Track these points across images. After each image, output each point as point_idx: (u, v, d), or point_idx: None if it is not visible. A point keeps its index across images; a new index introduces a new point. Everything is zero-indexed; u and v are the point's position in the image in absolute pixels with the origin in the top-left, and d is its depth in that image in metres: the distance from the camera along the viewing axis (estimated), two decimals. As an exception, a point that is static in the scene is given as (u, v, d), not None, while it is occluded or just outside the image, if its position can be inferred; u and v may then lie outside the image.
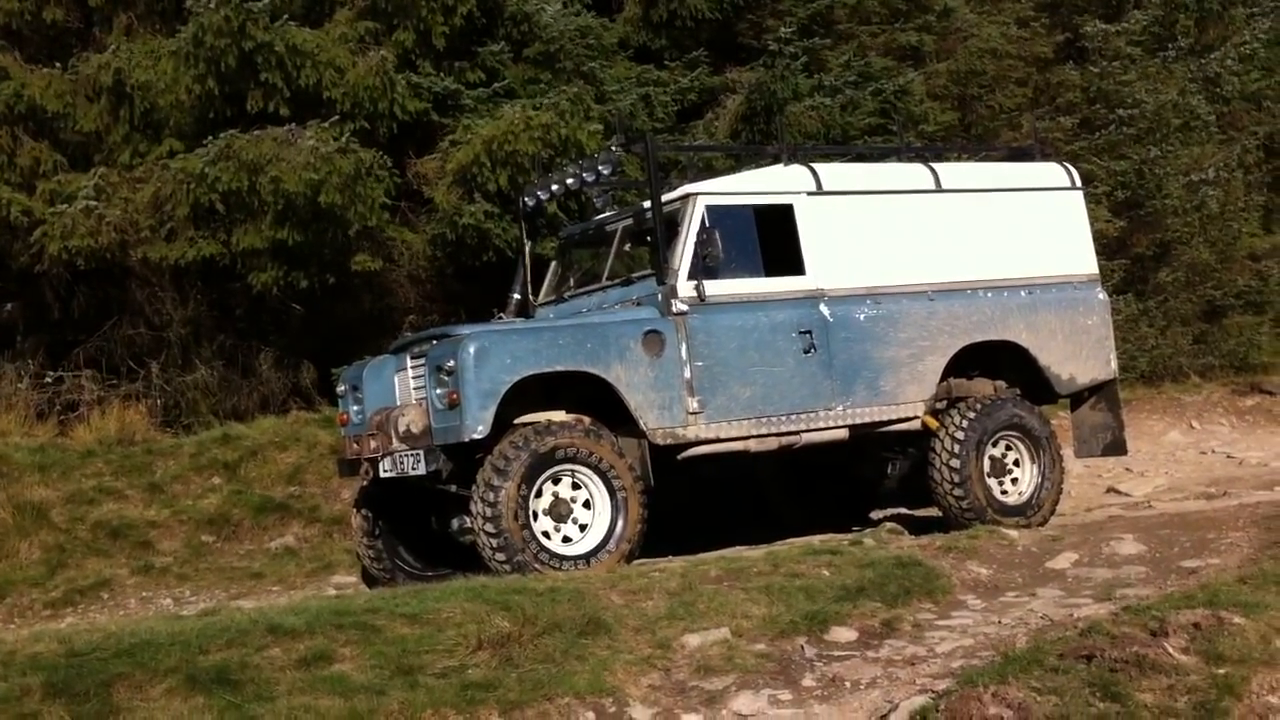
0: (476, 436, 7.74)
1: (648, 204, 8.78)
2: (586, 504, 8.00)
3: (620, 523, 7.96)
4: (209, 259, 12.34)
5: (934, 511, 9.55)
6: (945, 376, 9.31)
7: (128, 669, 5.42)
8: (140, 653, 5.58)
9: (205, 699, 5.18)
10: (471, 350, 7.78)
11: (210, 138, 11.75)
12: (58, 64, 12.85)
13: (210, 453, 11.23)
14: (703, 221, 8.50)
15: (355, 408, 8.85)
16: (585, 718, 5.23)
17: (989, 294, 9.49)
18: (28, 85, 12.53)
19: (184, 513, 10.58)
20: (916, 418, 9.15)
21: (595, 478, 7.95)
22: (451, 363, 7.82)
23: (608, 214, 9.67)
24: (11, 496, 10.35)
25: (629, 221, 9.26)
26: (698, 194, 8.64)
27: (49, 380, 12.79)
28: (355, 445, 8.55)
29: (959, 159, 11.12)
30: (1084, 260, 10.01)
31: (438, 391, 7.98)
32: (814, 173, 9.11)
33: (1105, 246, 14.38)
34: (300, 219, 11.86)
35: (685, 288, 8.42)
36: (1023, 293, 9.62)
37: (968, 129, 16.21)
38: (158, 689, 5.29)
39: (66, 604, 9.55)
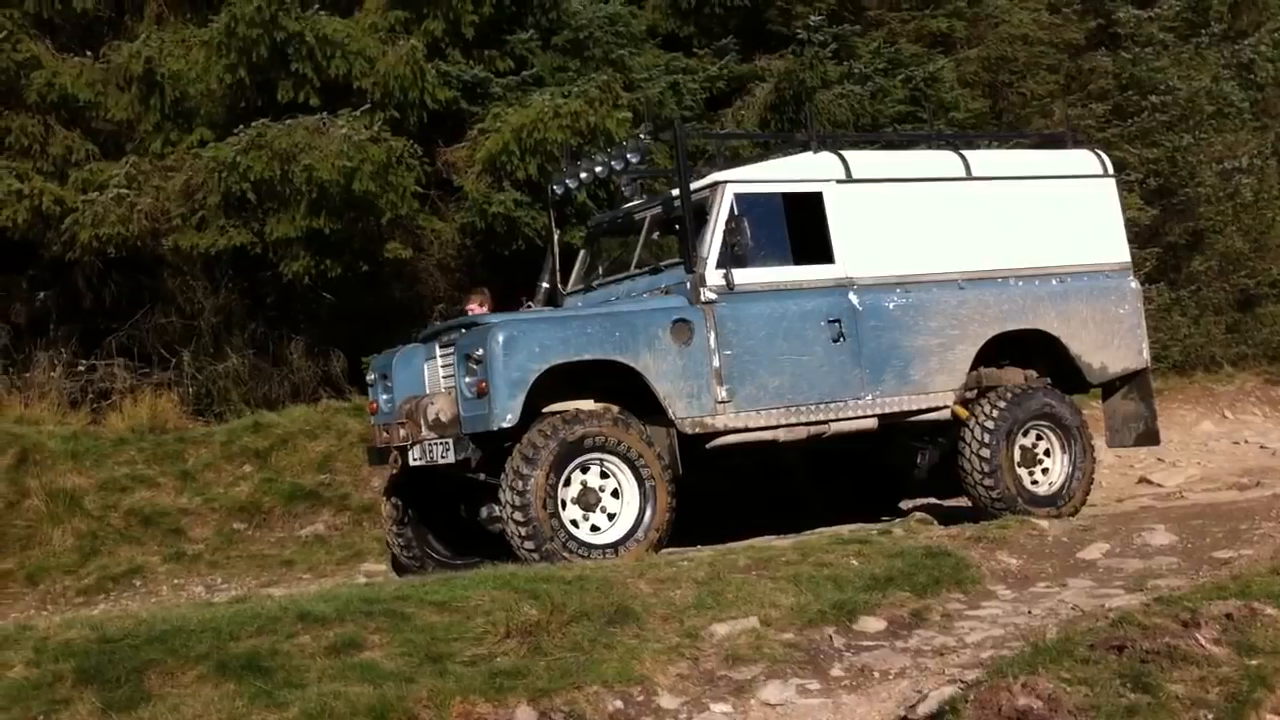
0: (505, 425, 7.75)
1: (676, 192, 8.76)
2: (615, 493, 8.00)
3: (649, 512, 7.95)
4: (240, 247, 12.40)
5: (964, 501, 9.51)
6: (975, 365, 9.27)
7: (159, 655, 5.45)
8: (171, 639, 5.61)
9: (236, 685, 5.20)
10: (500, 339, 7.78)
11: (242, 127, 11.80)
12: (89, 53, 12.94)
13: (241, 441, 11.29)
14: (731, 210, 8.47)
15: (385, 396, 8.87)
16: (613, 706, 5.23)
17: (1020, 282, 9.44)
18: (59, 74, 12.62)
19: (215, 500, 10.65)
20: (946, 407, 9.11)
21: (624, 466, 7.95)
22: (480, 351, 7.82)
23: (636, 202, 9.65)
24: (45, 484, 10.44)
25: (658, 210, 9.25)
26: (726, 182, 8.62)
27: (81, 368, 12.89)
28: (385, 434, 8.58)
29: (990, 146, 11.06)
30: (1116, 248, 9.93)
31: (467, 380, 7.99)
32: (843, 160, 9.07)
33: (1137, 235, 14.29)
34: (334, 207, 11.90)
35: (714, 276, 8.40)
36: (1054, 281, 9.56)
37: (998, 116, 16.12)
38: (189, 675, 5.32)
39: (99, 591, 9.63)
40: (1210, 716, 4.68)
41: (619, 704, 5.25)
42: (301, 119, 11.96)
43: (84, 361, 12.99)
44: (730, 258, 8.42)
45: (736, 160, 10.47)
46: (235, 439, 11.33)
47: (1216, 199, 16.66)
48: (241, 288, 13.40)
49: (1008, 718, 4.73)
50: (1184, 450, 13.66)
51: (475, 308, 10.67)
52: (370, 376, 9.14)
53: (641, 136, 9.28)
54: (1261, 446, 13.90)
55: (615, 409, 8.16)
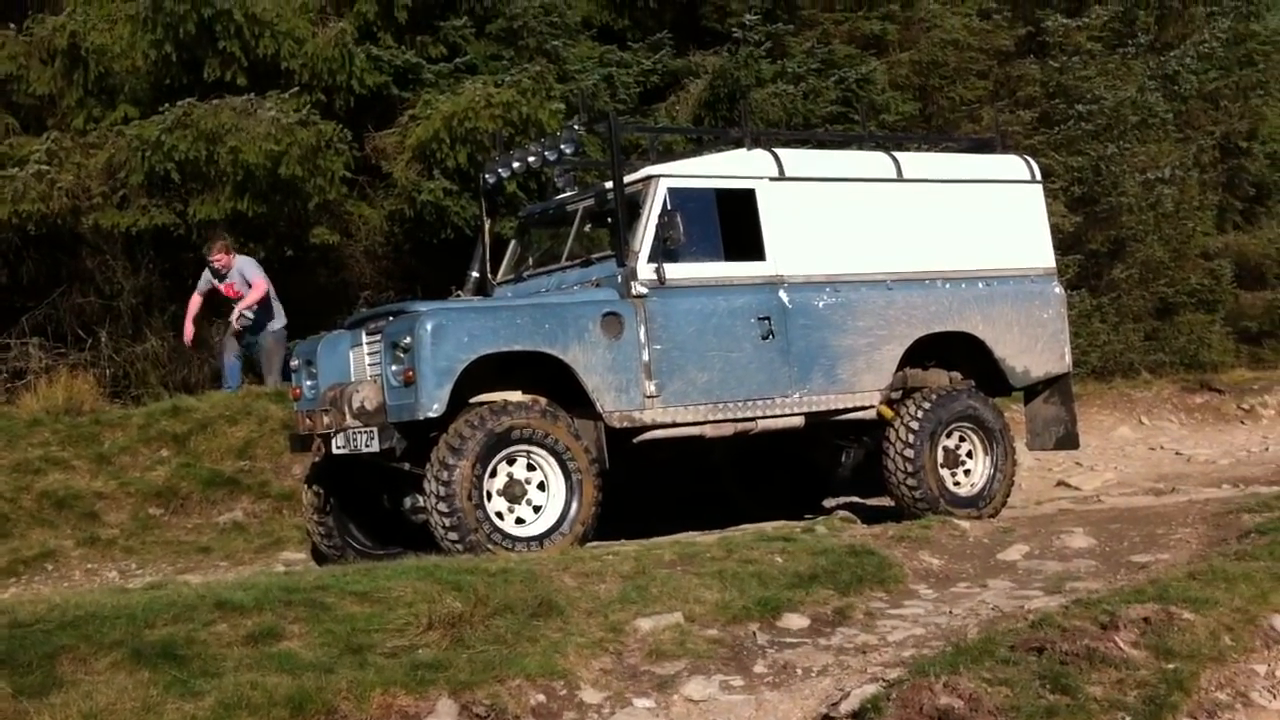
0: (432, 415, 7.67)
1: (609, 184, 8.72)
2: (541, 485, 7.94)
3: (574, 505, 7.91)
4: (162, 228, 12.21)
5: (887, 501, 9.57)
6: (901, 366, 9.31)
7: (72, 641, 5.33)
8: (85, 625, 5.49)
9: (150, 673, 5.09)
10: (429, 327, 7.70)
11: (166, 105, 11.60)
12: (12, 25, 12.66)
13: (159, 425, 11.07)
14: (664, 204, 8.44)
15: (309, 383, 8.75)
16: (536, 700, 5.19)
17: (947, 285, 9.50)
18: (-20, 46, 12.34)
19: (131, 485, 10.44)
20: (872, 407, 9.15)
21: (550, 459, 7.90)
22: (408, 339, 7.74)
23: (568, 194, 9.60)
24: (-45, 464, 10.19)
25: (590, 202, 9.20)
26: (660, 176, 8.59)
27: (-6, 347, 12.62)
28: (308, 421, 8.46)
29: (920, 149, 11.15)
30: (1042, 253, 10.03)
31: (393, 368, 7.90)
32: (777, 158, 9.08)
33: (1060, 242, 14.45)
34: (259, 190, 11.74)
35: (645, 270, 8.37)
36: (980, 284, 9.63)
37: (928, 120, 16.28)
38: (102, 662, 5.20)
39: (10, 574, 9.40)
40: (1128, 718, 4.74)
41: (541, 698, 5.22)
42: (229, 99, 11.78)
43: (-2, 340, 12.72)
44: (662, 252, 8.40)
45: (670, 155, 10.47)
46: (153, 422, 11.10)
47: (1138, 208, 16.95)
48: (163, 269, 13.19)
49: (929, 717, 4.75)
50: (1101, 455, 13.87)
51: (221, 256, 11.04)
52: (294, 362, 9.01)
53: (575, 127, 9.23)
54: (1177, 453, 14.15)
55: (543, 401, 8.11)
